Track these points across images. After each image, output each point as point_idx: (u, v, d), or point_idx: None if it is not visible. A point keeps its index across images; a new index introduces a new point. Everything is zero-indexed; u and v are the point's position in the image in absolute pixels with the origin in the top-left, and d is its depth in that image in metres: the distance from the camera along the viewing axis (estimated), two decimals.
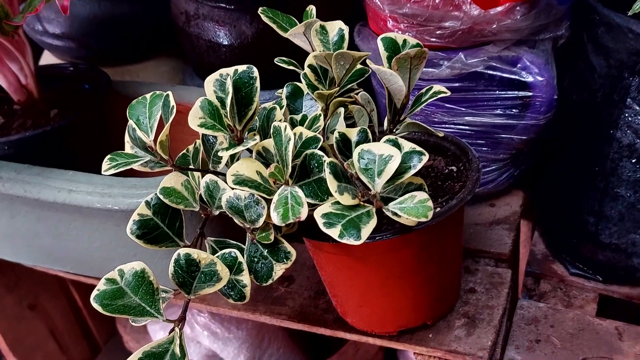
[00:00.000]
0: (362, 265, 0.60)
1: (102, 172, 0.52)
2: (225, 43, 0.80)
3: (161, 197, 0.52)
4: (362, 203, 0.50)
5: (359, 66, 0.58)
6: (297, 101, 0.61)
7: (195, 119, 0.50)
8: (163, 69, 0.98)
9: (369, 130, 0.55)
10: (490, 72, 0.68)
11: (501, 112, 0.71)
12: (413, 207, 0.49)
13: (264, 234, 0.53)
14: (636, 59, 0.62)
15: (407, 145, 0.52)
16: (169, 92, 0.52)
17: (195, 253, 0.50)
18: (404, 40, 0.54)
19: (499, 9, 0.66)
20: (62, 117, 0.79)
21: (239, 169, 0.50)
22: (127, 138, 0.55)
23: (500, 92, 0.69)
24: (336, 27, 0.59)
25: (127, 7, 0.88)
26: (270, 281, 0.54)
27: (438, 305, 0.66)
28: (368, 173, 0.50)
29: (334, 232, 0.47)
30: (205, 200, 0.54)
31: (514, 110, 0.70)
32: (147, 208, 0.52)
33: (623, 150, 0.67)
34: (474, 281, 0.73)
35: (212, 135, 0.55)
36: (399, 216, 0.51)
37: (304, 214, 0.49)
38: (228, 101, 0.49)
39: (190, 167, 0.55)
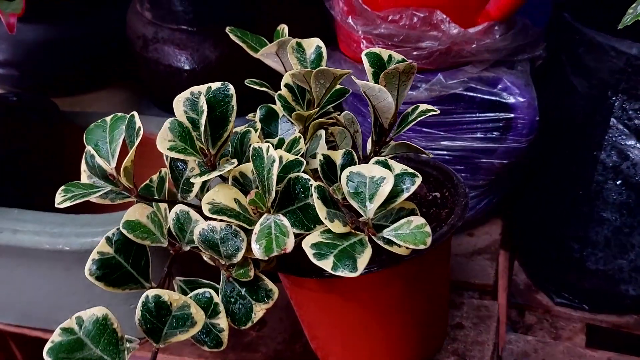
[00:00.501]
0: (348, 302, 0.55)
1: (56, 205, 0.45)
2: (187, 68, 0.75)
3: (125, 232, 0.46)
4: (353, 231, 0.45)
5: (338, 86, 0.54)
6: (272, 124, 0.56)
7: (164, 141, 0.44)
8: (117, 99, 0.92)
9: (354, 152, 0.50)
10: (470, 93, 0.66)
11: (481, 136, 0.68)
12: (410, 234, 0.44)
13: (242, 271, 0.47)
14: (619, 78, 0.61)
15: (398, 167, 0.48)
16: (134, 113, 0.46)
17: (165, 294, 0.44)
18: (389, 56, 0.50)
19: (478, 28, 0.64)
20: (4, 149, 0.72)
21: (215, 197, 0.45)
22: (83, 166, 0.49)
23: (480, 115, 0.66)
24: (313, 44, 0.55)
25: (77, 30, 0.82)
26: (249, 323, 0.48)
27: (428, 344, 0.61)
28: (358, 197, 0.45)
29: (326, 264, 0.42)
30: (174, 234, 0.48)
31: (494, 133, 0.67)
32: (108, 245, 0.46)
33: (608, 172, 0.65)
34: (460, 315, 0.68)
35: (182, 161, 0.49)
36: (393, 244, 0.46)
37: (289, 245, 0.44)
38: (202, 121, 0.44)
39: (155, 197, 0.49)
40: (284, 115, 0.56)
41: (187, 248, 0.49)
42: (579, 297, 0.73)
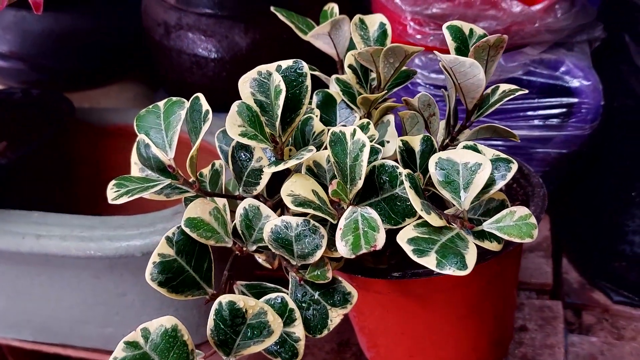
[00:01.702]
0: (420, 306, 0.50)
1: (110, 201, 0.39)
2: (215, 57, 0.69)
3: (187, 230, 0.40)
4: (448, 224, 0.40)
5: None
6: (329, 111, 0.50)
7: (233, 126, 0.39)
8: (128, 95, 0.85)
9: (433, 138, 0.45)
10: (530, 77, 0.61)
11: (540, 123, 0.63)
12: (514, 226, 0.39)
13: (318, 272, 0.42)
14: None
15: (490, 152, 0.43)
16: (199, 95, 0.40)
17: (240, 300, 0.38)
18: (471, 30, 0.45)
19: (539, 5, 0.59)
20: (13, 151, 0.65)
21: (294, 188, 0.39)
22: (134, 158, 0.43)
23: (539, 100, 0.62)
24: (377, 20, 0.50)
25: (88, 21, 0.76)
26: (325, 331, 0.43)
27: (496, 349, 0.56)
28: (451, 186, 0.40)
29: (428, 262, 0.37)
30: (240, 232, 0.42)
31: (554, 120, 0.63)
32: (169, 246, 0.40)
33: None
34: (523, 317, 0.63)
35: (245, 151, 0.43)
36: (484, 239, 0.41)
37: (380, 241, 0.38)
38: (280, 103, 0.38)
39: (216, 192, 0.43)
40: (342, 100, 0.50)
41: (253, 248, 0.43)
42: None
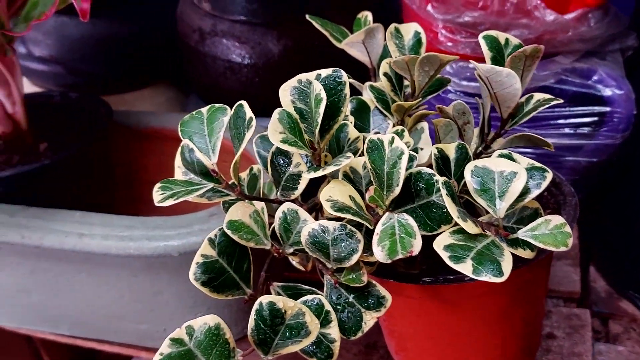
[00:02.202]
0: (450, 311, 0.51)
1: (157, 203, 0.41)
2: (248, 63, 0.70)
3: (229, 232, 0.41)
4: (483, 232, 0.41)
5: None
6: (363, 117, 0.51)
7: (275, 133, 0.40)
8: (160, 99, 0.87)
9: (467, 146, 0.46)
10: (562, 86, 0.62)
11: (570, 132, 0.63)
12: (549, 234, 0.40)
13: (353, 276, 0.43)
14: None
15: (525, 161, 0.44)
16: (242, 102, 0.42)
17: (280, 301, 0.39)
18: (506, 40, 0.46)
19: (572, 14, 0.60)
20: (55, 153, 0.67)
21: (332, 194, 0.40)
22: (178, 162, 0.44)
23: (571, 109, 0.62)
24: (412, 29, 0.51)
25: (126, 26, 0.78)
26: (359, 333, 0.44)
27: (524, 356, 0.57)
28: (487, 195, 0.41)
29: (464, 268, 0.38)
30: (278, 235, 0.44)
31: (585, 128, 0.63)
32: (211, 247, 0.41)
33: None
34: (551, 325, 0.64)
35: (283, 156, 0.44)
36: (518, 247, 0.42)
37: (416, 247, 0.39)
38: (321, 111, 0.39)
39: (256, 196, 0.45)
40: (375, 107, 0.52)
41: (290, 250, 0.44)
42: None
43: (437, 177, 0.41)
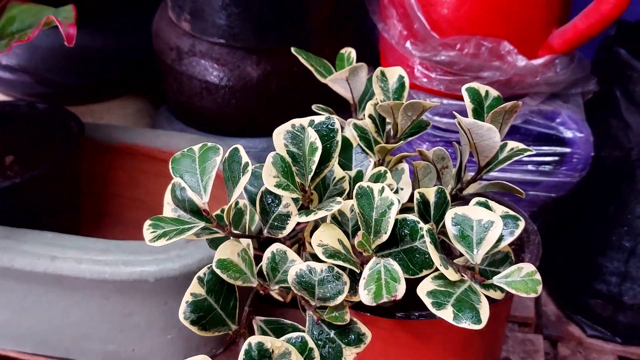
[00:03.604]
0: (420, 342, 0.53)
1: (148, 242, 0.41)
2: (225, 84, 0.71)
3: (218, 271, 0.42)
4: (462, 276, 0.43)
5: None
6: (346, 154, 0.53)
7: (269, 177, 0.41)
8: (129, 111, 0.87)
9: (446, 191, 0.48)
10: (527, 126, 0.65)
11: (533, 169, 0.67)
12: (521, 282, 0.43)
13: (336, 314, 0.45)
14: None
15: (500, 209, 0.46)
16: (238, 146, 0.43)
17: (268, 341, 0.41)
18: (487, 92, 0.49)
19: (541, 60, 0.63)
20: (24, 168, 0.66)
21: (322, 238, 0.42)
22: (168, 199, 0.45)
23: (535, 148, 0.65)
24: (396, 73, 0.53)
25: (99, 38, 0.77)
26: None
27: None
28: (465, 241, 0.44)
29: (446, 314, 0.40)
30: (264, 273, 0.45)
31: (547, 166, 0.67)
32: (200, 286, 0.42)
33: None
34: (507, 349, 0.67)
35: (272, 195, 0.46)
36: (490, 289, 0.45)
37: (400, 291, 0.41)
38: (316, 158, 0.41)
39: (246, 234, 0.46)
40: (358, 144, 0.53)
41: (276, 287, 0.46)
42: (612, 330, 0.74)
43: (421, 224, 0.43)
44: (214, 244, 0.48)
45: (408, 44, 0.65)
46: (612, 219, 0.69)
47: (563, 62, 0.64)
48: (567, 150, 0.65)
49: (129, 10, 0.82)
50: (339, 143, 0.44)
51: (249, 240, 0.47)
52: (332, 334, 0.46)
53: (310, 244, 0.50)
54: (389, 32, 0.67)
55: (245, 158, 0.42)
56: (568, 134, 0.65)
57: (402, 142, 0.52)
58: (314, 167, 0.41)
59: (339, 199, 0.43)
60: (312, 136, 0.42)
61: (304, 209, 0.45)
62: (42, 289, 0.60)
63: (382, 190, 0.43)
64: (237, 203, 0.50)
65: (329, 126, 0.44)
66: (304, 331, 0.46)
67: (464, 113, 0.64)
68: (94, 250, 0.57)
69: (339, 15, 0.75)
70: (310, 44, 0.72)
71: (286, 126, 0.44)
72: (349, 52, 0.59)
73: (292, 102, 0.74)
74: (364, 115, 0.56)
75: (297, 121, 0.44)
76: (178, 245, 0.59)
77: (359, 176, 0.51)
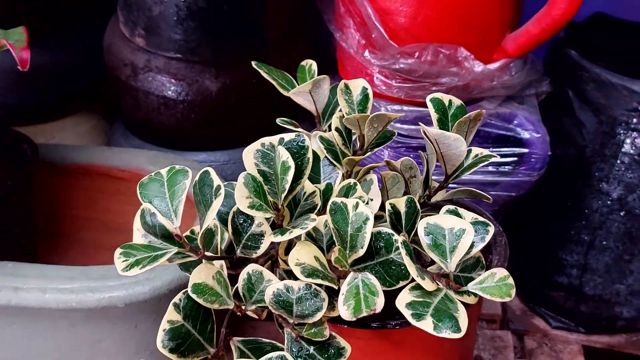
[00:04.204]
0: (398, 350, 0.54)
1: (122, 272, 0.40)
2: (183, 99, 0.70)
3: (194, 296, 0.42)
4: (437, 284, 0.44)
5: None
6: (314, 167, 0.53)
7: (242, 199, 0.41)
8: (83, 128, 0.85)
9: (416, 200, 0.49)
10: (486, 129, 0.66)
11: (493, 170, 0.68)
12: (495, 287, 0.44)
13: (314, 330, 0.45)
14: (631, 115, 0.64)
15: (469, 216, 0.47)
16: (209, 169, 0.42)
17: None
18: (450, 101, 0.49)
19: (496, 64, 0.65)
20: None
21: (299, 257, 0.42)
22: (137, 224, 0.44)
23: (494, 149, 0.67)
24: (359, 85, 0.53)
25: (48, 56, 0.75)
26: None
27: None
28: (439, 250, 0.44)
29: (426, 325, 0.41)
30: (241, 294, 0.45)
31: (506, 167, 0.68)
32: (176, 312, 0.42)
33: (613, 203, 0.68)
34: (477, 347, 0.69)
35: (244, 215, 0.45)
36: (463, 294, 0.46)
37: (379, 305, 0.42)
38: (289, 177, 0.41)
39: (218, 255, 0.45)
40: (325, 157, 0.53)
41: (252, 308, 0.45)
42: (576, 321, 0.76)
43: (396, 236, 0.44)
44: (185, 266, 0.48)
45: (367, 53, 0.65)
46: (570, 214, 0.71)
47: (517, 66, 0.66)
48: (525, 150, 0.67)
49: (78, 25, 0.80)
50: (310, 160, 0.44)
51: (222, 262, 0.46)
52: (311, 349, 0.46)
53: (285, 262, 0.49)
54: (347, 42, 0.67)
55: (217, 181, 0.41)
56: (525, 134, 0.66)
57: (369, 153, 0.52)
58: (287, 186, 0.41)
59: (312, 216, 0.43)
60: (284, 155, 0.41)
61: (277, 227, 0.45)
62: (5, 322, 0.58)
63: (356, 206, 0.43)
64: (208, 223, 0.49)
65: (299, 143, 0.44)
66: (282, 349, 0.46)
67: (424, 119, 0.65)
68: (58, 278, 0.56)
69: (295, 26, 0.75)
70: (268, 54, 0.71)
71: (256, 145, 0.44)
72: (310, 64, 0.59)
73: (252, 113, 0.73)
74: (328, 127, 0.56)
75: (266, 140, 0.44)
76: None
77: (329, 189, 0.51)
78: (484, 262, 0.49)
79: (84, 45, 0.79)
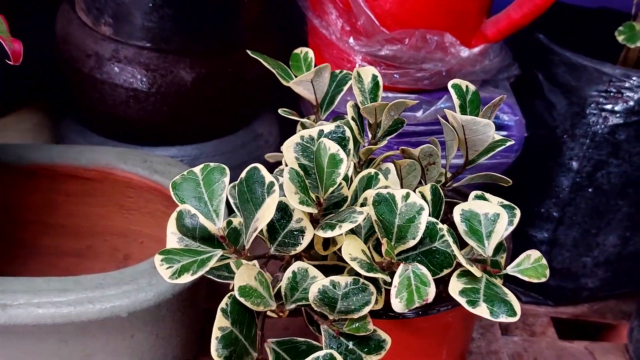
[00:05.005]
0: (418, 337, 0.54)
1: (168, 280, 0.37)
2: (155, 91, 0.66)
3: (242, 299, 0.39)
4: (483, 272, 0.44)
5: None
6: None
7: (292, 195, 0.39)
8: (27, 126, 0.77)
9: (439, 188, 0.49)
10: None
11: None
12: (532, 268, 0.45)
13: (358, 325, 0.44)
14: (601, 96, 0.67)
15: (495, 200, 0.48)
16: (258, 165, 0.39)
17: None
18: (467, 87, 0.50)
19: (477, 49, 0.66)
20: None
21: (351, 251, 0.40)
22: (172, 228, 0.41)
23: None
24: (369, 73, 0.52)
25: None
26: None
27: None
28: (476, 236, 0.44)
29: (482, 312, 0.41)
30: (283, 294, 0.43)
31: None
32: (225, 318, 0.39)
33: (583, 180, 0.72)
34: None
35: (280, 211, 0.43)
36: (499, 280, 0.47)
37: (431, 294, 0.41)
38: (342, 170, 0.39)
39: (264, 254, 0.43)
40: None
41: (292, 307, 0.44)
42: (544, 294, 0.80)
43: (440, 225, 0.44)
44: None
45: (352, 40, 0.64)
46: (542, 193, 0.75)
47: (495, 50, 0.67)
48: (504, 133, 0.69)
49: (18, 13, 0.72)
50: (351, 152, 0.42)
51: (256, 261, 0.44)
52: (351, 344, 0.45)
53: (306, 258, 0.48)
54: (329, 29, 0.66)
55: (268, 177, 0.39)
56: (504, 117, 0.68)
57: (384, 142, 0.51)
58: (338, 180, 0.40)
59: (359, 208, 0.42)
60: (333, 148, 0.40)
61: (315, 222, 0.43)
62: None
63: (407, 196, 0.42)
64: (230, 222, 0.47)
65: (340, 135, 0.42)
66: (319, 347, 0.45)
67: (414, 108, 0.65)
68: (50, 291, 0.51)
69: (268, 12, 0.72)
70: (244, 42, 0.69)
71: (295, 139, 0.42)
72: (305, 51, 0.57)
73: (227, 104, 0.70)
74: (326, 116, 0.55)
75: (305, 132, 0.42)
76: (146, 273, 0.54)
77: (346, 179, 0.50)
78: (505, 245, 0.50)
79: (26, 35, 0.72)
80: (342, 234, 0.42)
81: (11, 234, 0.69)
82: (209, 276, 0.47)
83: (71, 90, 0.70)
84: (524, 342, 0.75)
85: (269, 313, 0.50)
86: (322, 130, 0.42)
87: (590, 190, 0.72)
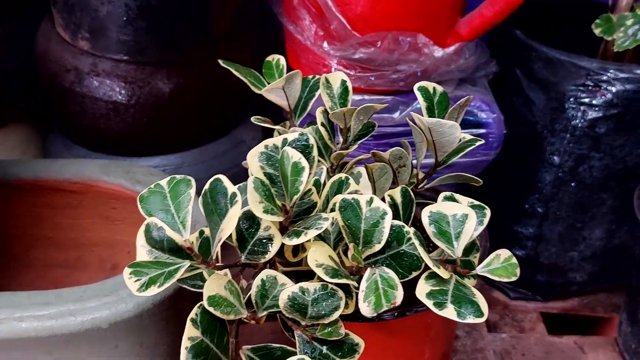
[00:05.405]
0: (398, 338, 0.54)
1: (136, 293, 0.38)
2: (134, 103, 0.66)
3: (211, 309, 0.40)
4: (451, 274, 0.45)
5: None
6: None
7: (256, 204, 0.40)
8: (14, 142, 0.78)
9: (409, 190, 0.49)
10: None
11: None
12: (502, 267, 0.45)
13: (330, 330, 0.44)
14: (579, 90, 0.67)
15: (465, 200, 0.48)
16: (220, 176, 0.40)
17: None
18: (434, 88, 0.50)
19: (452, 48, 0.66)
20: None
21: (317, 258, 0.41)
22: (141, 241, 0.41)
23: None
24: (338, 78, 0.53)
25: None
26: None
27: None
28: (444, 237, 0.45)
29: (449, 314, 0.41)
30: (253, 302, 0.43)
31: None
32: (194, 328, 0.40)
33: (565, 175, 0.72)
34: None
35: (249, 220, 0.44)
36: (472, 277, 0.47)
37: (399, 298, 0.42)
38: (304, 179, 0.40)
39: (233, 264, 0.44)
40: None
41: (264, 314, 0.44)
42: (533, 290, 0.80)
43: (407, 228, 0.44)
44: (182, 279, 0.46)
45: (325, 44, 0.65)
46: (524, 189, 0.75)
47: (470, 49, 0.68)
48: (483, 131, 0.69)
49: (4, 30, 0.74)
50: (315, 159, 0.43)
51: (227, 270, 0.45)
52: (324, 349, 0.45)
53: (282, 264, 0.48)
54: (303, 34, 0.66)
55: (231, 188, 0.39)
56: (482, 115, 0.69)
57: (355, 146, 0.52)
58: (301, 188, 0.40)
59: (324, 215, 0.42)
60: (295, 156, 0.40)
61: (285, 229, 0.44)
62: None
63: (370, 201, 0.42)
64: (202, 232, 0.47)
65: (304, 142, 0.43)
66: (293, 352, 0.45)
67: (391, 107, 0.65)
68: (32, 305, 0.51)
69: (244, 19, 0.73)
70: (221, 50, 0.69)
71: (259, 148, 0.42)
72: (277, 59, 0.58)
73: (207, 113, 0.71)
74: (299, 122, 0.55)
75: (269, 141, 0.43)
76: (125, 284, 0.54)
77: (317, 185, 0.51)
78: (478, 245, 0.51)
79: (8, 50, 0.73)
80: (309, 240, 0.42)
81: (1, 247, 0.70)
82: (183, 286, 0.47)
83: (54, 105, 0.71)
84: (512, 338, 0.75)
85: (246, 320, 0.50)
86: (287, 138, 0.43)
87: (573, 184, 0.72)
